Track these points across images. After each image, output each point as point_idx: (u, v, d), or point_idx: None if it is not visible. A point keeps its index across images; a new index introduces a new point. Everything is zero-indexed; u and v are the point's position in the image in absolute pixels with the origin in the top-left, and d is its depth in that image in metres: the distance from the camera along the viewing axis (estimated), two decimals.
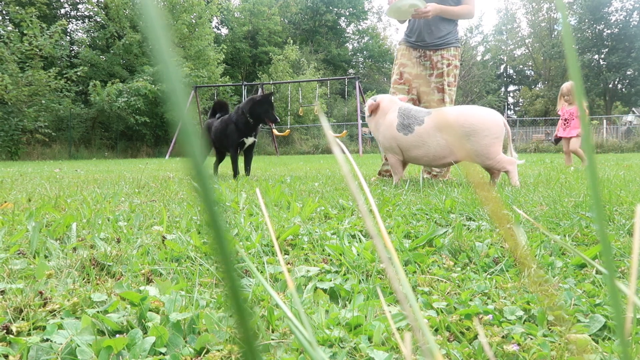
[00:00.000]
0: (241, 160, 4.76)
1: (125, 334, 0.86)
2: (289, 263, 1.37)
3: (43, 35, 16.50)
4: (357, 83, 15.96)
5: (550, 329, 0.91)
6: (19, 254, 1.41)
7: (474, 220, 1.97)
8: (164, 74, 0.19)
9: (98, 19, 23.44)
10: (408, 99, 4.03)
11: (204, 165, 0.20)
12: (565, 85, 6.89)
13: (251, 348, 0.21)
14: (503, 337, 0.87)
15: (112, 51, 22.02)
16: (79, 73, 17.58)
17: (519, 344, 0.83)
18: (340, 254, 1.39)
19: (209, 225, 0.20)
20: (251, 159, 4.77)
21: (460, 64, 4.07)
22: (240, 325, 0.21)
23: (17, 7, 16.88)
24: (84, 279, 1.20)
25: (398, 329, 0.94)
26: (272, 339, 0.87)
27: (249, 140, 4.53)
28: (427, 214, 2.10)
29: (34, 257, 1.38)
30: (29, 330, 0.89)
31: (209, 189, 0.20)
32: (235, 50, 31.63)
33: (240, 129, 4.43)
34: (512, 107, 46.96)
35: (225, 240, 0.20)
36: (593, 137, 20.94)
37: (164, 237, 1.58)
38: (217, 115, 4.90)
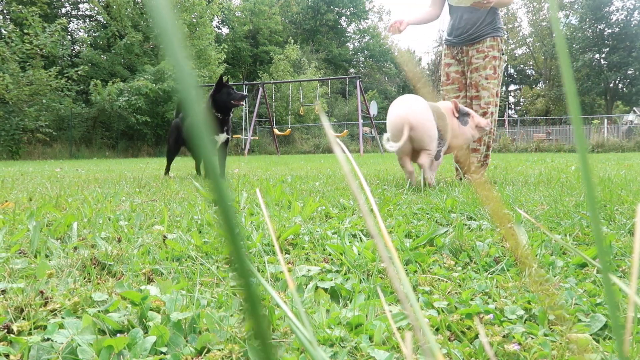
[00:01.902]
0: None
1: (126, 333, 0.86)
2: (290, 262, 1.37)
3: (44, 32, 16.51)
4: (358, 82, 15.97)
5: (551, 329, 0.91)
6: (20, 253, 1.41)
7: (474, 220, 1.97)
8: (177, 72, 0.19)
9: (99, 19, 23.45)
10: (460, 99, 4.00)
11: (216, 166, 0.20)
12: None
13: (265, 344, 0.21)
14: (504, 336, 0.87)
15: (113, 50, 22.01)
16: (79, 72, 17.57)
17: (519, 344, 0.83)
18: (341, 254, 1.39)
19: (223, 224, 0.20)
20: (224, 159, 4.63)
21: (503, 54, 3.94)
22: (254, 322, 0.21)
23: (19, 6, 16.89)
24: (84, 279, 1.20)
25: (399, 328, 0.94)
26: (273, 339, 0.87)
27: (220, 138, 4.43)
28: (428, 214, 2.10)
29: (35, 257, 1.38)
30: (30, 329, 0.89)
31: (223, 188, 0.20)
32: (236, 49, 31.61)
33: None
34: (513, 106, 46.94)
35: (240, 239, 0.20)
36: (593, 136, 20.90)
37: (164, 236, 1.58)
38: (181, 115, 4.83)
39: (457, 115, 3.49)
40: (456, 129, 3.53)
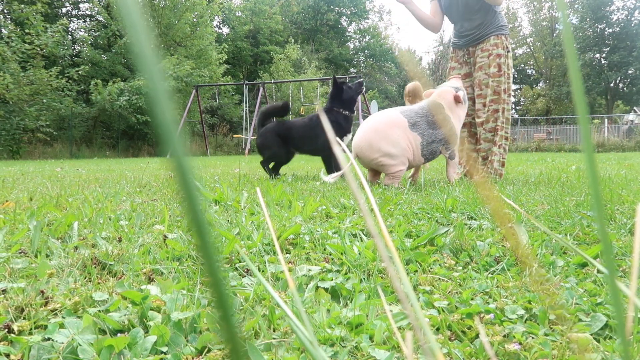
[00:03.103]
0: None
1: (126, 333, 0.86)
2: (290, 262, 1.37)
3: (45, 33, 16.52)
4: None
5: (551, 328, 0.91)
6: (20, 253, 1.41)
7: (475, 219, 1.97)
8: (146, 74, 0.19)
9: (100, 18, 23.46)
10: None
11: (188, 164, 0.20)
12: (408, 86, 6.93)
13: (235, 348, 0.21)
14: (504, 336, 0.87)
15: (113, 50, 22.03)
16: (80, 72, 17.58)
17: (520, 343, 0.83)
18: (342, 253, 1.39)
19: (192, 224, 0.20)
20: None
21: (508, 52, 3.93)
22: (223, 325, 0.21)
23: (21, 5, 16.89)
24: (85, 278, 1.20)
25: (399, 328, 0.94)
26: (274, 338, 0.87)
27: (348, 138, 4.39)
28: (428, 213, 2.10)
29: (36, 256, 1.38)
30: (31, 329, 0.89)
31: (192, 187, 0.20)
32: (237, 49, 31.61)
33: (342, 126, 4.28)
34: (513, 106, 46.92)
35: (209, 240, 0.20)
36: (593, 136, 20.90)
37: (165, 236, 1.58)
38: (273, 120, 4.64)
39: (461, 101, 3.52)
40: (462, 115, 3.56)
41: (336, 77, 4.38)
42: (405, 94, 6.97)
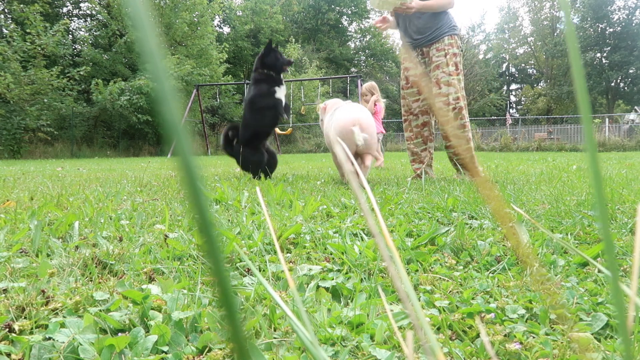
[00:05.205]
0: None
1: (127, 332, 0.86)
2: (291, 262, 1.37)
3: (46, 34, 16.53)
4: (359, 82, 15.93)
5: (552, 328, 0.91)
6: (21, 252, 1.41)
7: (476, 219, 1.97)
8: (153, 73, 0.19)
9: (100, 18, 23.43)
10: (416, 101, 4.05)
11: (195, 164, 0.20)
12: (365, 86, 7.04)
13: (241, 347, 0.21)
14: (505, 335, 0.87)
15: (114, 49, 22.00)
16: (82, 72, 17.59)
17: (521, 343, 0.83)
18: (342, 253, 1.39)
19: (199, 224, 0.20)
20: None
21: (462, 51, 3.97)
22: (230, 325, 0.21)
23: (21, 5, 16.90)
24: (86, 278, 1.20)
25: (400, 327, 0.94)
26: (275, 338, 0.87)
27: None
28: (429, 213, 2.10)
29: (37, 256, 1.38)
30: (32, 328, 0.89)
31: (198, 188, 0.19)
32: (237, 48, 31.59)
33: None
34: (514, 105, 46.91)
35: (215, 240, 0.20)
36: (595, 135, 20.89)
37: (166, 235, 1.58)
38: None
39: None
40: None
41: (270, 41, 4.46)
42: (362, 93, 7.13)
